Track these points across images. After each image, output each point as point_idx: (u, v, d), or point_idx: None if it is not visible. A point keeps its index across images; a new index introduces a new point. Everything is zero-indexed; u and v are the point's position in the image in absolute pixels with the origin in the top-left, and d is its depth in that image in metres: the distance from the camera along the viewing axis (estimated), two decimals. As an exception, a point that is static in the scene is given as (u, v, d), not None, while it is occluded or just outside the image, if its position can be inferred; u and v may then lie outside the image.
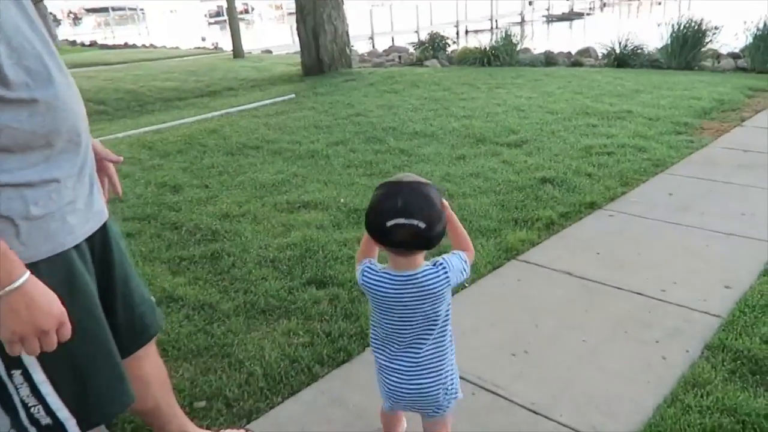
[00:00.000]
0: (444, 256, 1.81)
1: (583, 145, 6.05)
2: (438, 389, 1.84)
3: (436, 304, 1.77)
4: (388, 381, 1.86)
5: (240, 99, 10.55)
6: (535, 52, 14.30)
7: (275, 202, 4.91)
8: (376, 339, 1.90)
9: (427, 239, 1.65)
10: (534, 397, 2.40)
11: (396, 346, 1.83)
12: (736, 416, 2.20)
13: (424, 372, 1.82)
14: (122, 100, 11.62)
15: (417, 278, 1.73)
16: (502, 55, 12.93)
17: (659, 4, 39.19)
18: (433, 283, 1.73)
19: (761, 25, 10.51)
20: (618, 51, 12.15)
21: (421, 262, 1.76)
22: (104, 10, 55.74)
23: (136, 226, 4.57)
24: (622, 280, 3.29)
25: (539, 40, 22.38)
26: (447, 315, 1.83)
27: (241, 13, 34.17)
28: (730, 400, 2.27)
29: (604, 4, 40.51)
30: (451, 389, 1.88)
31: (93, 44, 29.49)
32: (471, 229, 4.10)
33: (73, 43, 30.28)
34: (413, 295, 1.75)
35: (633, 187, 4.85)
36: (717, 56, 11.76)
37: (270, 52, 21.38)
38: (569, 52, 14.08)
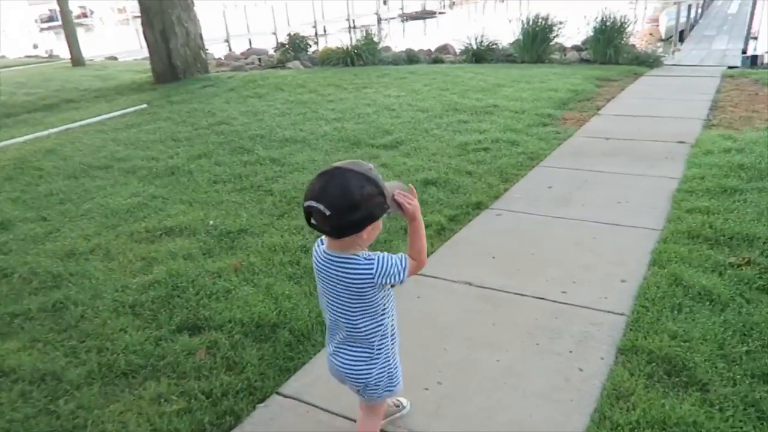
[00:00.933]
0: (385, 254, 1.74)
1: (458, 143, 5.98)
2: (355, 376, 1.86)
3: (353, 295, 1.74)
4: (328, 348, 1.93)
5: (82, 112, 9.37)
6: (396, 50, 14.38)
7: (131, 231, 4.24)
8: None
9: (334, 227, 1.64)
10: (456, 437, 2.12)
11: (329, 321, 1.89)
12: (667, 429, 2.07)
13: (343, 356, 1.87)
14: (-67, 121, 9.87)
15: (338, 262, 1.72)
16: (365, 54, 12.79)
17: (502, 1, 41.69)
18: (351, 273, 1.71)
19: (599, 20, 11.30)
20: (475, 47, 12.50)
21: (356, 250, 1.71)
22: None
23: (-50, 278, 3.70)
24: (523, 286, 3.14)
25: (397, 38, 22.73)
26: (374, 315, 1.79)
27: (79, 17, 31.10)
28: (656, 411, 2.15)
29: (453, 3, 42.30)
30: (376, 384, 1.88)
31: None
32: (359, 244, 3.78)
33: None
34: (333, 278, 1.75)
35: (513, 183, 4.81)
36: (563, 49, 12.51)
37: (115, 58, 19.60)
38: (429, 50, 14.31)
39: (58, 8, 17.74)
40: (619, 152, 5.46)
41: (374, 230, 1.71)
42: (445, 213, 4.18)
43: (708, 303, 2.86)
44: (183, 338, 2.85)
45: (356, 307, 1.76)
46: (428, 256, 3.50)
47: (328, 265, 1.75)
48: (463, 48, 12.96)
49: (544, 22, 11.75)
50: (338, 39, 15.47)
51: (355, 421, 2.15)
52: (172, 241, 4.05)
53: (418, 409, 2.29)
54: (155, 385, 2.52)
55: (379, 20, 34.26)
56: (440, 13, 38.98)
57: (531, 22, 11.74)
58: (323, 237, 1.79)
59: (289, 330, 2.83)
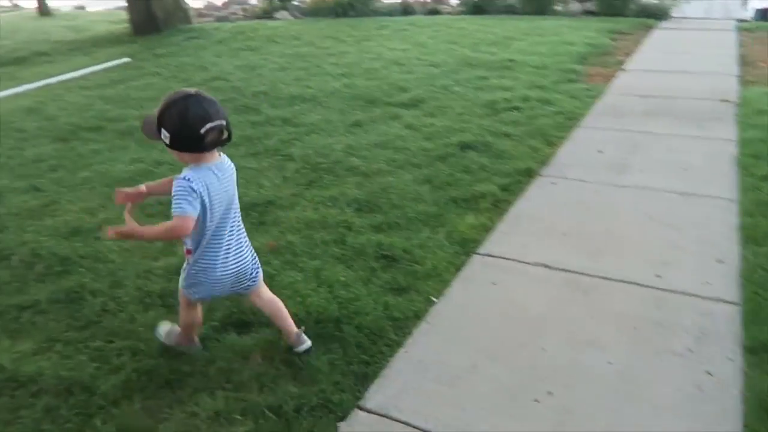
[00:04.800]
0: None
1: (484, 101, 5.53)
2: None
3: None
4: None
5: (58, 66, 8.60)
6: (388, 0, 13.60)
7: (141, 203, 3.74)
8: None
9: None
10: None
11: None
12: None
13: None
14: None
15: None
16: (358, 4, 12.07)
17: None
18: None
19: (607, -31, 10.73)
20: (474, -3, 11.85)
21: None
22: None
23: (-63, 263, 3.19)
24: (608, 268, 2.78)
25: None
26: None
27: (39, -38, 29.04)
28: (824, 429, 1.83)
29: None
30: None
31: None
32: (407, 218, 3.38)
33: None
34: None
35: (558, 146, 4.41)
36: (566, 0, 11.95)
37: (83, 8, 18.33)
38: (425, 0, 13.58)
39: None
40: (661, 111, 5.09)
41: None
42: (495, 182, 3.77)
43: (823, 287, 2.55)
44: (231, 337, 2.43)
45: None
46: (490, 233, 3.13)
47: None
48: (461, -2, 12.31)
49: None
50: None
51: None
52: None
53: (533, 424, 1.94)
54: (210, 399, 2.11)
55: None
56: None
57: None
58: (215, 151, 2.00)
59: (356, 327, 2.43)
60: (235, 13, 13.70)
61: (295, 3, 13.38)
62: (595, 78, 6.33)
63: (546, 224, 3.24)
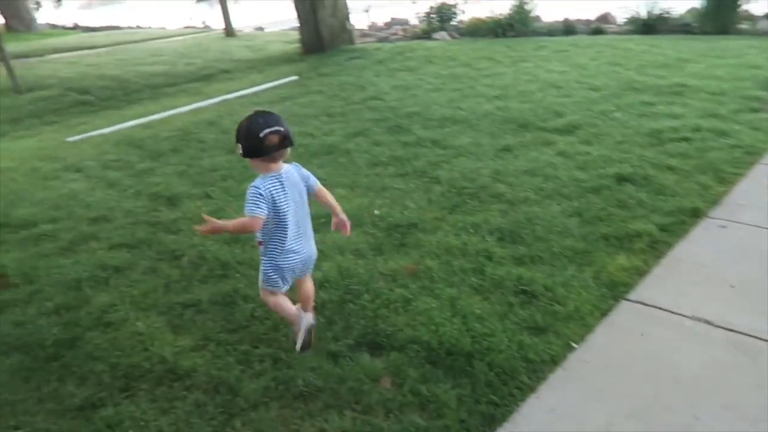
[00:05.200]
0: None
1: (648, 130, 5.14)
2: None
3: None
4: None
5: (237, 83, 9.56)
6: (547, 20, 13.21)
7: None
8: None
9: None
10: None
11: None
12: None
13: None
14: (107, 89, 10.59)
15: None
16: (517, 24, 11.89)
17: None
18: None
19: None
20: (645, 16, 11.10)
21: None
22: (87, -10, 53.75)
23: (125, 256, 3.68)
24: (785, 331, 2.43)
25: (544, 6, 21.09)
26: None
27: (229, -12, 32.49)
28: None
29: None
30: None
31: (75, 27, 28.03)
32: (551, 252, 3.23)
33: (54, 26, 28.83)
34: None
35: (732, 184, 3.95)
36: (753, 18, 10.76)
37: (262, 29, 20.18)
38: (588, 19, 13.02)
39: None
40: None
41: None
42: (654, 220, 3.47)
43: None
44: (363, 358, 2.49)
45: None
46: (643, 277, 2.89)
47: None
48: (628, 17, 11.60)
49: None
50: (487, 8, 14.56)
51: None
52: (337, 231, 3.74)
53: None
54: (338, 417, 2.18)
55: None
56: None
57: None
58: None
59: (488, 364, 2.37)
60: (395, 34, 14.23)
61: (454, 23, 13.56)
62: (785, 107, 5.60)
63: (710, 273, 2.91)
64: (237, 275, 3.29)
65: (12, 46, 14.40)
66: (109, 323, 2.96)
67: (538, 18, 13.32)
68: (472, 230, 3.58)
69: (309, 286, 2.70)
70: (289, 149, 2.35)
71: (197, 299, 3.09)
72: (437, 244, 3.44)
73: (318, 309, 2.83)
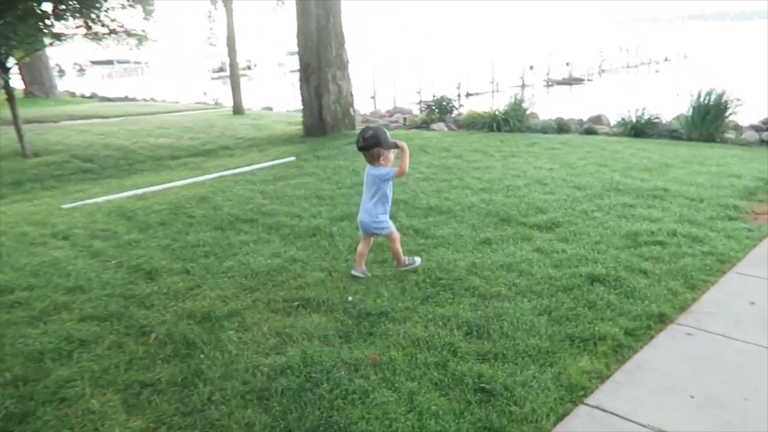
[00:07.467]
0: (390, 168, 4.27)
1: (626, 231, 5.25)
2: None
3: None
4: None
5: (236, 160, 9.84)
6: (543, 117, 13.76)
7: (269, 298, 4.04)
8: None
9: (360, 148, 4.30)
10: None
11: None
12: None
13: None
14: (111, 158, 10.91)
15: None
16: (513, 120, 12.35)
17: (657, 72, 39.47)
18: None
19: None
20: (634, 120, 11.56)
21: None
22: (109, 62, 56.20)
23: (93, 329, 3.68)
24: (740, 448, 2.40)
25: (541, 104, 21.93)
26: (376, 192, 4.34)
27: (243, 69, 34.03)
28: None
29: (603, 70, 40.64)
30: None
31: (93, 96, 29.18)
32: (516, 350, 3.24)
33: (73, 94, 29.99)
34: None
35: (702, 291, 4.01)
36: (739, 128, 11.20)
37: (270, 108, 20.97)
38: (581, 119, 13.55)
39: (227, 60, 19.44)
40: (839, 265, 4.43)
41: (384, 159, 4.28)
42: (620, 324, 3.50)
43: None
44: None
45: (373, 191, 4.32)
46: (604, 382, 2.89)
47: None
48: (619, 120, 12.08)
49: (719, 98, 10.60)
50: (484, 103, 15.16)
51: None
52: (308, 315, 3.77)
53: None
54: None
55: (524, 85, 33.71)
56: (588, 80, 37.58)
57: (704, 97, 10.64)
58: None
59: (436, 466, 2.33)
60: (396, 121, 14.76)
61: (453, 115, 14.11)
62: (761, 218, 5.73)
63: (671, 382, 2.91)
64: (201, 356, 3.28)
65: (29, 112, 14.95)
66: (63, 399, 2.93)
67: (534, 115, 13.88)
68: (441, 323, 3.60)
69: (366, 245, 4.44)
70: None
71: (157, 378, 3.07)
72: (404, 334, 3.45)
73: (273, 396, 2.81)
